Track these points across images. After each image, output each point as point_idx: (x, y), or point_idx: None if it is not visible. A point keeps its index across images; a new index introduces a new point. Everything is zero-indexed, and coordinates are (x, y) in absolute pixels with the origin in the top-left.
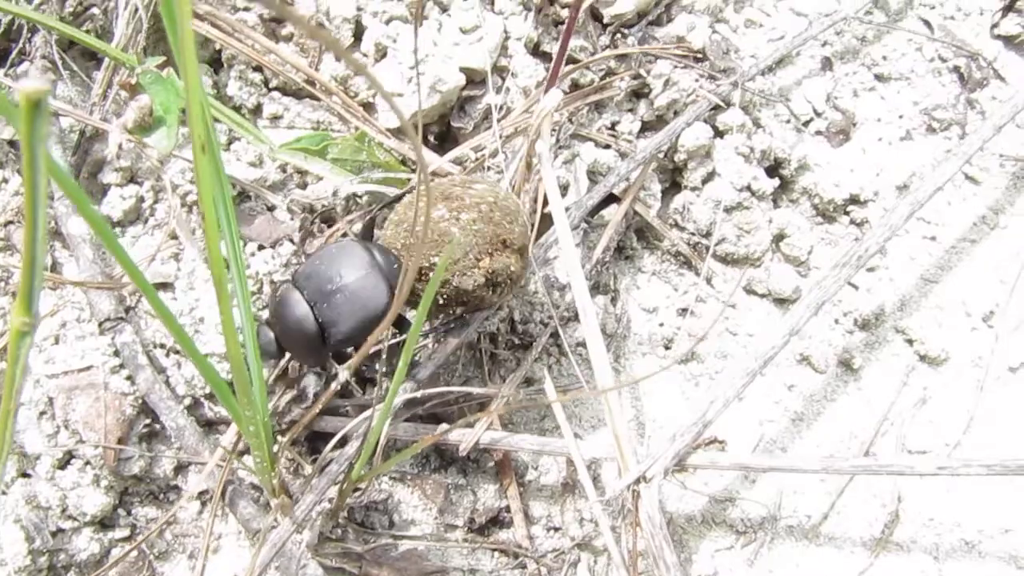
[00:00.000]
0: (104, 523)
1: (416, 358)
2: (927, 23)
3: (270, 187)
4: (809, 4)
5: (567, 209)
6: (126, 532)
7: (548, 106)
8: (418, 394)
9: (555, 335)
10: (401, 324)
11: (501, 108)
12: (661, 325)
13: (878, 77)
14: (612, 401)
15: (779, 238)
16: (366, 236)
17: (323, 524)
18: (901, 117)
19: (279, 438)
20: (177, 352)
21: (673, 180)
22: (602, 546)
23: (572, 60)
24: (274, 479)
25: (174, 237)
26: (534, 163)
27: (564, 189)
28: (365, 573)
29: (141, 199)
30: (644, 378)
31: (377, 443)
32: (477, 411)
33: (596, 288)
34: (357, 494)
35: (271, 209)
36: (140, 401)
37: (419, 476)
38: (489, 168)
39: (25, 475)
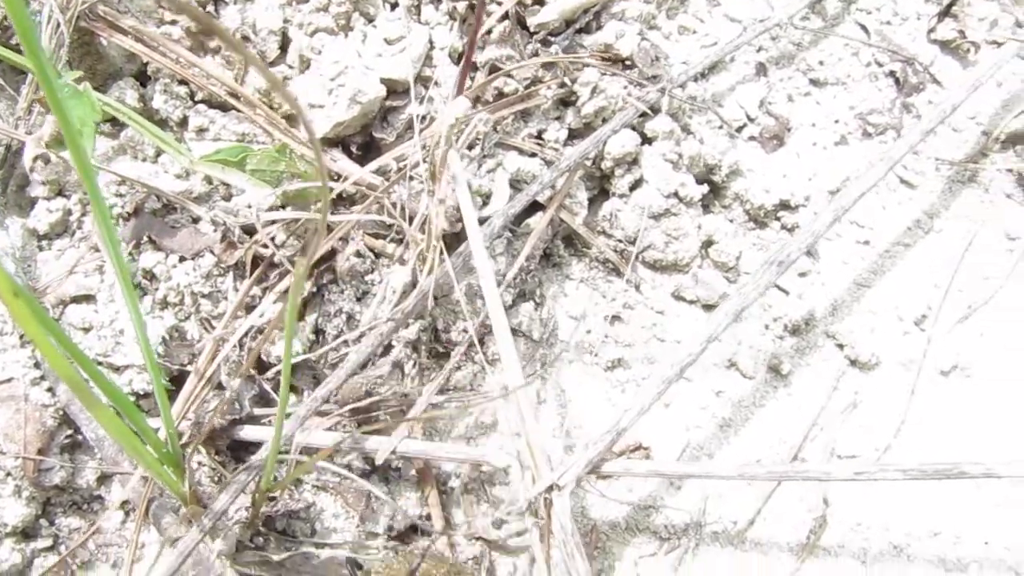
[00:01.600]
0: (26, 533)
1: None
2: (864, 28)
3: (195, 199)
4: (744, 10)
5: (487, 218)
6: (49, 542)
7: (452, 114)
8: (324, 406)
9: (480, 343)
10: None
11: (424, 118)
12: (588, 332)
13: (813, 82)
14: (524, 406)
15: (708, 244)
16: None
17: (241, 533)
18: (836, 122)
19: (186, 450)
20: (99, 363)
21: (601, 187)
22: (522, 552)
23: (495, 68)
24: (183, 488)
25: (96, 250)
26: (442, 172)
27: (487, 198)
28: None
29: (68, 212)
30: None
31: (277, 452)
32: (399, 417)
33: (522, 295)
34: (272, 504)
35: (195, 221)
36: (61, 412)
37: (340, 484)
38: (412, 179)
39: None
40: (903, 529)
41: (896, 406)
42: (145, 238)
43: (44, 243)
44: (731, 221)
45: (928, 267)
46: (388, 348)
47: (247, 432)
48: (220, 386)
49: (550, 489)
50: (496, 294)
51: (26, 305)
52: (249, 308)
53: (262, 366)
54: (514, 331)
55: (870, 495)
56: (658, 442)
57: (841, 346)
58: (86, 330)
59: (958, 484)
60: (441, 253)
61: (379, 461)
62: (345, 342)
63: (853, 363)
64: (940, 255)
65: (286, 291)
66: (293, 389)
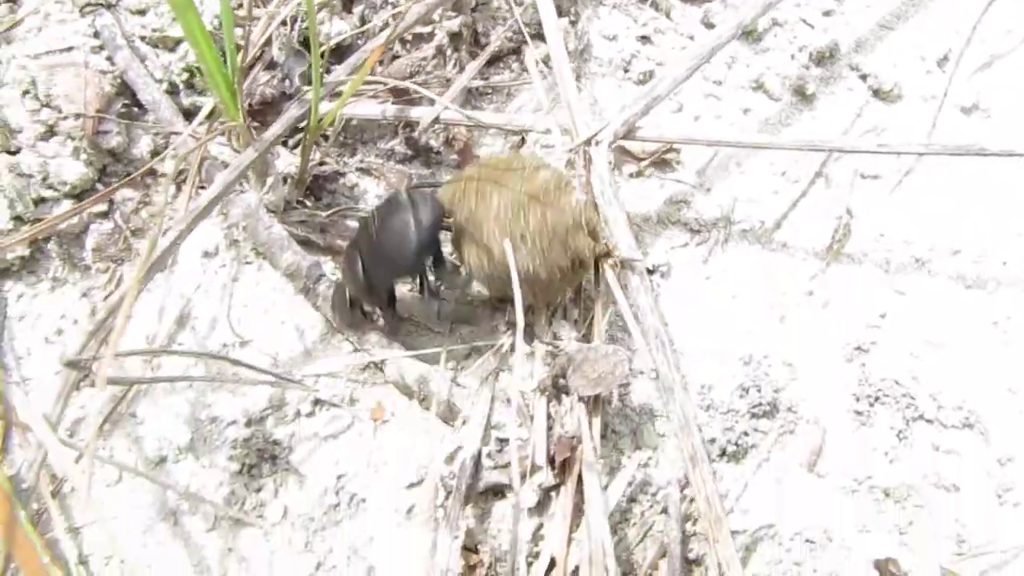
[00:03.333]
0: (83, 197)
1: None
2: None
3: None
4: None
5: None
6: (104, 207)
7: None
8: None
9: (516, 52)
10: (438, 264)
11: None
12: (621, 51)
13: None
14: (564, 75)
15: None
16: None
17: (289, 193)
18: None
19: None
20: (156, 46)
21: None
22: None
23: None
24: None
25: None
26: None
27: None
28: (329, 244)
29: None
30: None
31: (320, 83)
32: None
33: (558, 11)
34: (320, 167)
35: None
36: (119, 80)
37: (383, 166)
38: None
39: (9, 152)
40: (926, 244)
41: (917, 136)
42: None
43: None
44: None
45: (952, 16)
46: (432, 35)
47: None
48: (272, 64)
49: (588, 143)
50: None
51: None
52: None
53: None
54: None
55: (894, 208)
56: (687, 151)
57: (864, 77)
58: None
59: (982, 205)
60: None
61: (423, 126)
62: (387, 24)
63: (876, 93)
64: (964, 6)
65: None
66: None
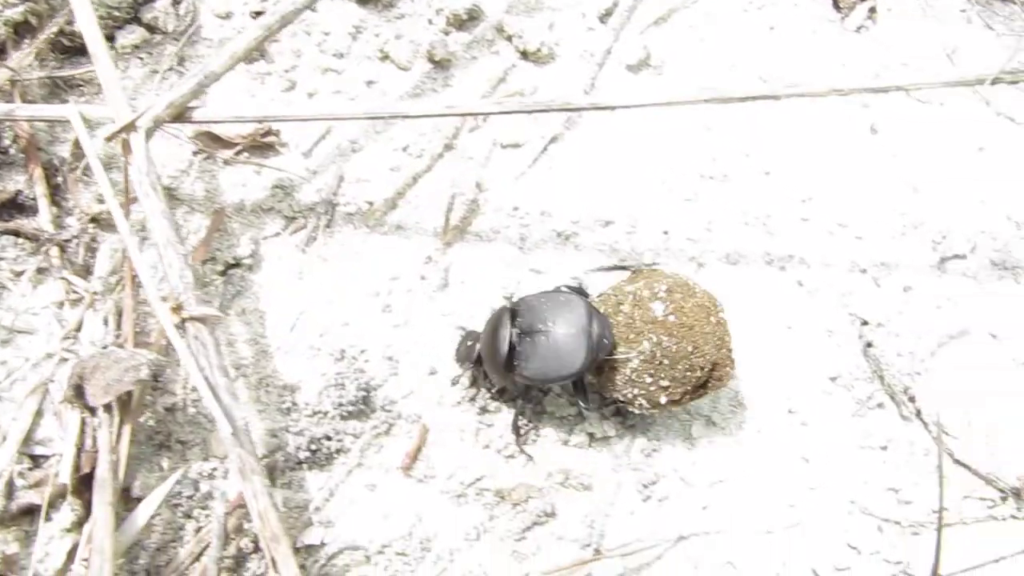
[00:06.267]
0: None
1: None
2: None
3: None
4: None
5: None
6: None
7: None
8: None
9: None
10: (581, 390)
11: None
12: (239, 29)
13: None
14: (101, 58)
15: None
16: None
17: None
18: None
19: None
20: None
21: None
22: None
23: None
24: None
25: None
26: None
27: None
28: None
29: None
30: None
31: None
32: None
33: None
34: None
35: None
36: None
37: None
38: None
39: None
40: (569, 216)
41: (574, 97)
42: None
43: None
44: None
45: None
46: None
47: None
48: None
49: (127, 129)
50: None
51: None
52: None
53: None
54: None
55: (534, 179)
56: (291, 132)
57: (510, 38)
58: None
59: (635, 173)
60: None
61: None
62: None
63: (524, 55)
64: None
65: None
66: None
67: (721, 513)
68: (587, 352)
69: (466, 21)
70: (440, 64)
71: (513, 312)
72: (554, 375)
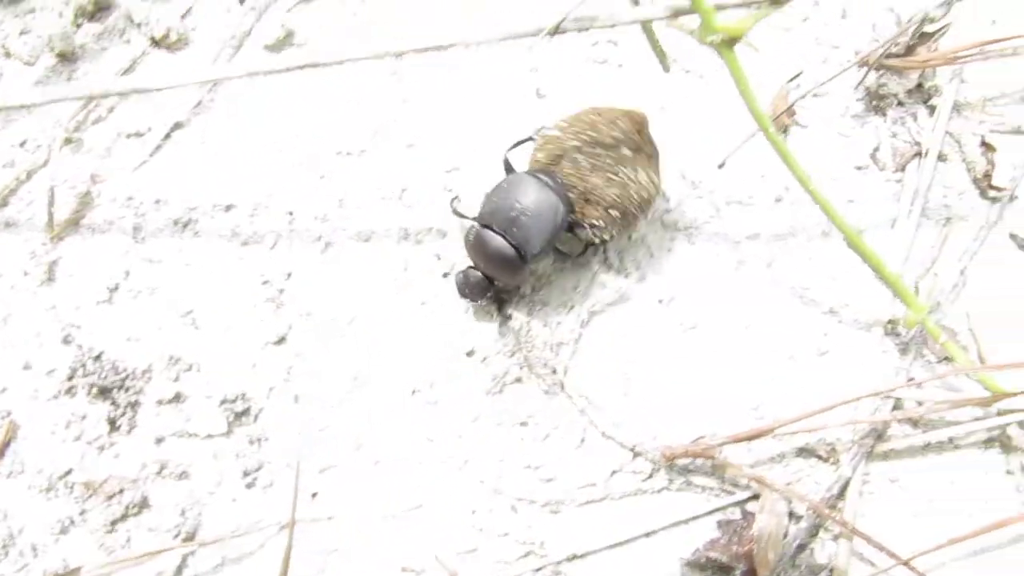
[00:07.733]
0: None
1: None
2: None
3: None
4: None
5: None
6: None
7: None
8: None
9: None
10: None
11: None
12: None
13: None
14: None
15: None
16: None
17: None
18: None
19: None
20: None
21: None
22: None
23: None
24: None
25: None
26: None
27: None
28: None
29: None
30: None
31: None
32: None
33: None
34: None
35: None
36: None
37: None
38: None
39: None
40: (186, 204)
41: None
42: None
43: None
44: None
45: None
46: None
47: None
48: None
49: None
50: None
51: None
52: None
53: None
54: None
55: (154, 168)
56: None
57: (139, 25)
58: None
59: (264, 154)
60: None
61: None
62: None
63: (155, 42)
64: None
65: None
66: None
67: (333, 499)
68: (559, 196)
69: (96, 12)
70: (64, 57)
71: (484, 225)
72: (556, 232)
